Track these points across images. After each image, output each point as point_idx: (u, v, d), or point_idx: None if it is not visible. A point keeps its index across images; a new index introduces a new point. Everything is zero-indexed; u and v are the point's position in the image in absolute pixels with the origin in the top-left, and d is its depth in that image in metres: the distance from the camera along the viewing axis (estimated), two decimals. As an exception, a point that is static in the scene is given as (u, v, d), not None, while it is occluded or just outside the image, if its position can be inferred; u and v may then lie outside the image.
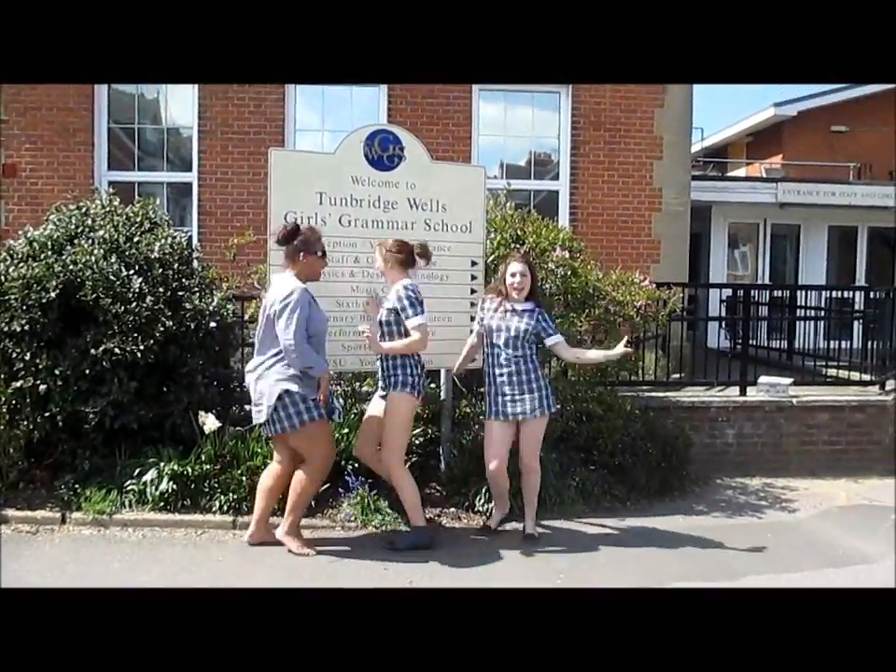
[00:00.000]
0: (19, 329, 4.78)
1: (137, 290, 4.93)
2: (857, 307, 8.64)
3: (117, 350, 4.80)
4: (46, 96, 8.19)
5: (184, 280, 5.30)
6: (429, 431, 5.53)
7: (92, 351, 4.81)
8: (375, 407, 4.66)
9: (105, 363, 4.82)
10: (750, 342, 7.47)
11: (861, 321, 8.23)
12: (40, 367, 4.81)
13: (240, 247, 5.93)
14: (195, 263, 5.60)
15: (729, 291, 9.12)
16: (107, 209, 5.45)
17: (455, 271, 5.20)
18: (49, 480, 4.98)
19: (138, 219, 5.46)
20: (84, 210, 5.42)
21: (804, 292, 9.18)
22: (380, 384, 4.61)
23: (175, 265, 5.28)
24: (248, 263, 5.90)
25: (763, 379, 6.92)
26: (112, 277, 4.89)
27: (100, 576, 3.95)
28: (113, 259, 4.99)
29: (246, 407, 5.30)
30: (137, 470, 4.85)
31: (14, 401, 4.85)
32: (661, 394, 6.70)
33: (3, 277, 4.86)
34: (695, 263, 11.19)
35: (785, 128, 14.75)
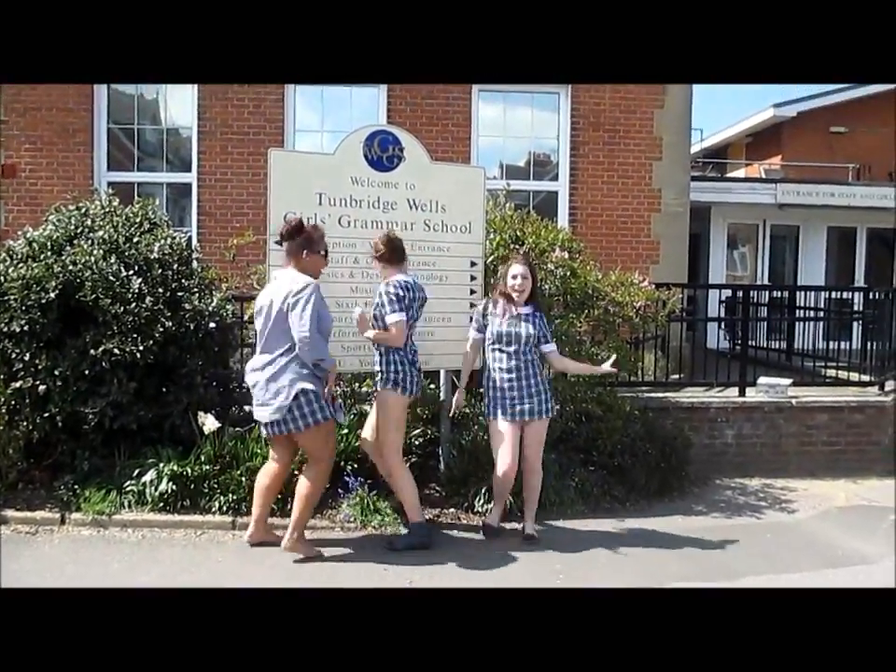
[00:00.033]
0: (18, 330, 4.78)
1: (137, 291, 4.92)
2: (856, 308, 8.65)
3: (116, 350, 4.80)
4: (46, 96, 8.20)
5: (183, 281, 5.30)
6: (429, 432, 5.53)
7: (92, 351, 4.81)
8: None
9: (104, 364, 4.82)
10: (750, 342, 7.47)
11: (860, 322, 8.23)
12: (40, 367, 4.81)
13: (239, 248, 5.94)
14: (195, 264, 5.60)
15: (728, 292, 9.12)
16: (107, 210, 5.46)
17: (454, 271, 5.20)
18: (48, 480, 4.98)
19: (138, 220, 5.46)
20: (83, 210, 5.42)
21: (803, 293, 9.19)
22: None
23: (175, 266, 5.28)
24: (248, 264, 5.90)
25: (762, 380, 6.92)
26: (111, 278, 4.89)
27: (99, 576, 3.95)
28: (112, 260, 4.99)
29: (246, 408, 5.32)
30: (137, 471, 4.85)
31: (13, 402, 4.85)
32: (660, 395, 6.71)
33: (2, 278, 4.86)
34: (695, 264, 11.20)
35: (784, 129, 14.76)
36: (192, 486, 4.82)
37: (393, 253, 4.46)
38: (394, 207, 5.04)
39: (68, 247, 5.06)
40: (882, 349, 7.61)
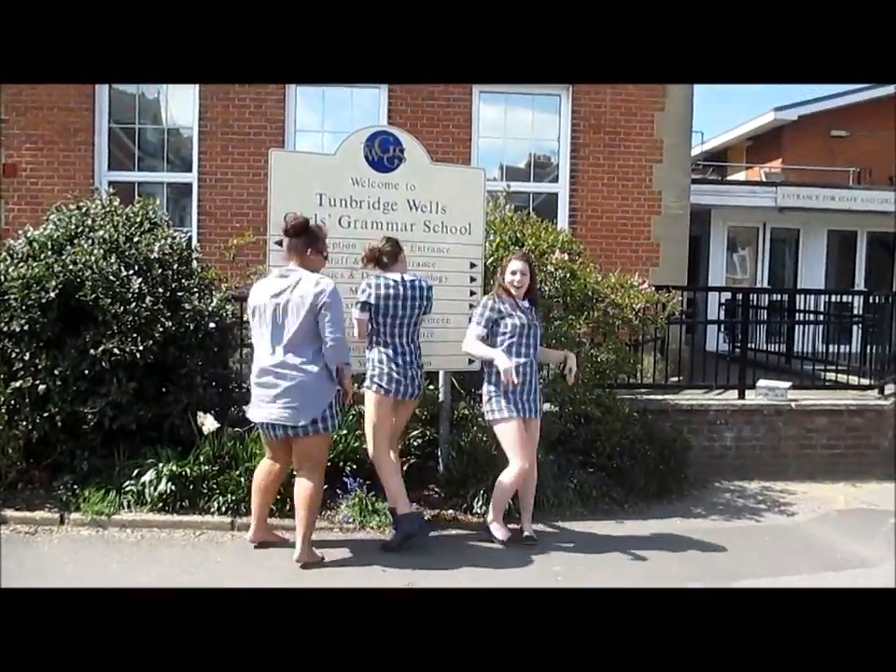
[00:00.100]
0: (18, 329, 4.78)
1: (137, 291, 4.93)
2: (856, 311, 8.66)
3: (116, 350, 4.80)
4: (46, 96, 8.20)
5: (183, 281, 5.30)
6: (427, 433, 5.53)
7: (92, 351, 4.81)
8: None
9: (104, 363, 4.82)
10: (749, 345, 7.47)
11: (860, 325, 8.25)
12: (39, 367, 4.81)
13: (239, 248, 5.94)
14: (195, 264, 5.60)
15: (728, 295, 9.13)
16: (107, 209, 5.46)
17: (453, 272, 5.20)
18: (47, 480, 4.98)
19: (138, 219, 5.46)
20: (84, 210, 5.42)
21: (803, 296, 9.20)
22: None
23: (175, 265, 5.28)
24: (248, 264, 5.90)
25: (761, 382, 6.92)
26: (112, 277, 4.89)
27: (98, 577, 3.95)
28: (113, 260, 4.99)
29: (245, 408, 5.31)
30: (136, 471, 4.85)
31: (13, 401, 4.85)
32: (659, 397, 6.70)
33: (3, 277, 4.86)
34: (694, 267, 11.21)
35: (785, 132, 14.77)
36: (191, 487, 4.82)
37: (374, 260, 4.54)
38: (394, 208, 5.04)
39: (69, 247, 5.06)
40: (882, 353, 7.61)
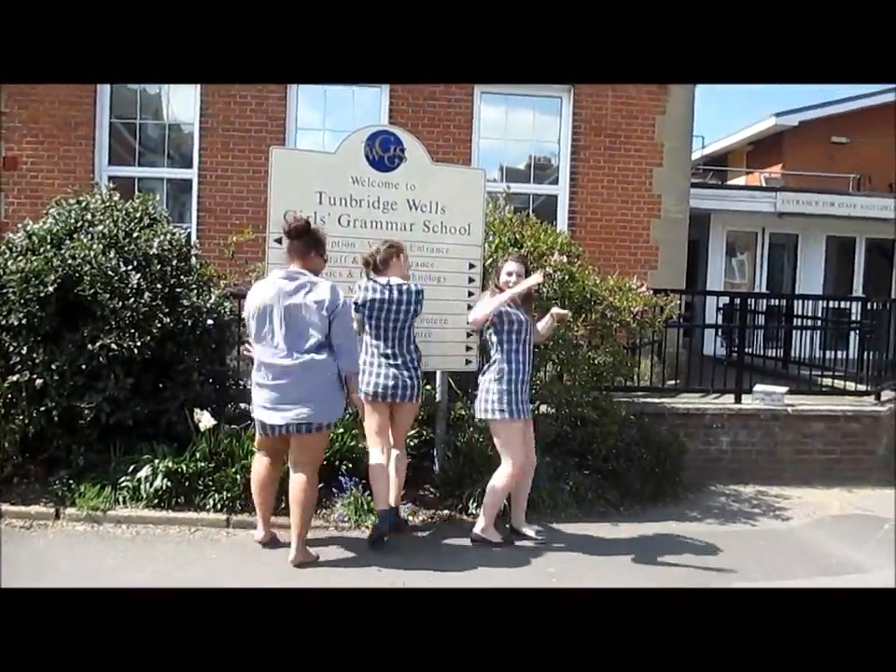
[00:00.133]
0: (16, 323, 4.77)
1: (135, 286, 4.92)
2: (854, 318, 8.68)
3: (114, 346, 4.80)
4: (48, 89, 8.18)
5: (182, 277, 5.30)
6: (424, 433, 5.53)
7: (89, 346, 4.81)
8: None
9: (101, 359, 4.81)
10: (746, 350, 7.48)
11: (857, 331, 8.26)
12: (37, 361, 4.80)
13: (238, 245, 5.94)
14: (193, 260, 5.59)
15: (726, 299, 9.16)
16: (107, 204, 5.45)
17: (452, 273, 5.20)
18: (43, 475, 4.98)
19: (138, 215, 5.45)
20: (84, 204, 5.42)
21: (801, 302, 9.21)
22: None
23: (174, 262, 5.27)
24: (246, 261, 5.89)
25: (758, 387, 6.93)
26: (110, 273, 4.89)
27: (93, 572, 3.95)
28: (112, 255, 4.99)
29: (242, 405, 5.32)
30: (132, 467, 4.84)
31: (10, 395, 4.84)
32: (656, 400, 6.71)
33: (1, 270, 4.85)
34: (693, 271, 11.22)
35: (786, 138, 14.79)
36: (187, 483, 4.82)
37: (369, 265, 4.60)
38: (394, 208, 5.04)
39: (68, 241, 5.06)
40: (879, 359, 7.63)
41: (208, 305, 5.26)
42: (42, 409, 4.82)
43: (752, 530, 5.34)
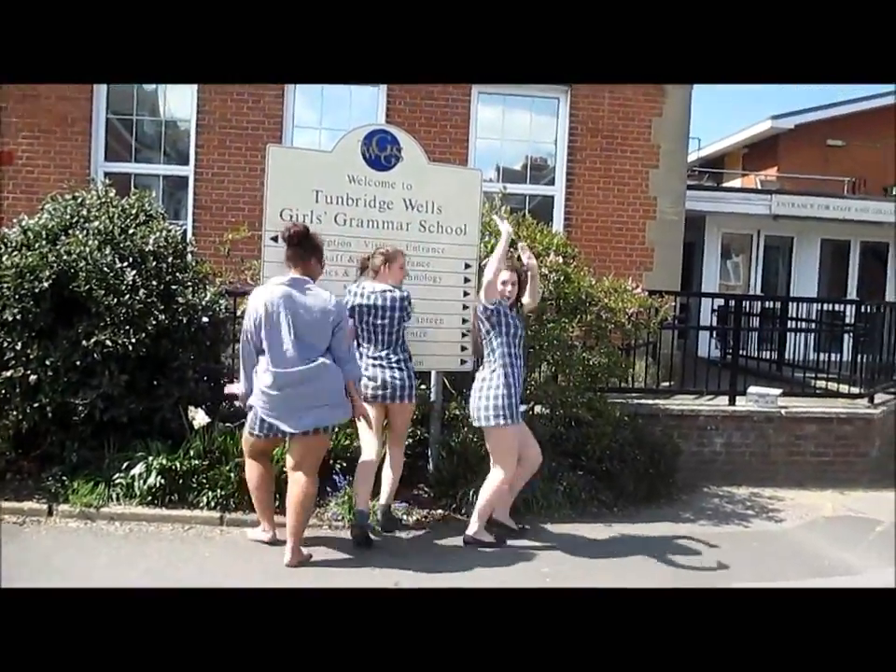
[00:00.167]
0: (10, 319, 4.76)
1: (130, 283, 4.91)
2: (848, 320, 8.69)
3: (108, 342, 4.79)
4: (45, 85, 8.15)
5: (177, 274, 5.29)
6: (418, 432, 5.53)
7: (84, 342, 4.80)
8: None
9: (96, 355, 4.80)
10: (741, 352, 7.51)
11: (851, 334, 8.28)
12: (31, 357, 4.79)
13: (234, 243, 5.93)
14: (189, 257, 5.59)
15: (721, 301, 9.16)
16: (103, 200, 5.44)
17: (447, 273, 5.21)
18: (36, 471, 4.97)
19: (133, 211, 5.44)
20: (79, 200, 5.40)
21: (795, 304, 9.23)
22: None
23: (170, 259, 5.27)
24: (242, 259, 5.89)
25: (752, 389, 6.95)
26: (106, 269, 4.88)
27: (86, 569, 3.94)
28: (107, 251, 4.98)
29: (237, 403, 5.31)
30: (125, 464, 4.84)
31: (4, 391, 4.83)
32: (650, 401, 6.73)
33: (-4, 266, 4.84)
34: (688, 272, 11.25)
35: (781, 140, 14.83)
36: (181, 481, 4.81)
37: (363, 270, 4.72)
38: (390, 207, 5.04)
39: (63, 237, 5.04)
40: (872, 362, 7.65)
41: (203, 303, 5.25)
42: (36, 405, 4.81)
43: (745, 532, 5.36)
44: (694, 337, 9.45)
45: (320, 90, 8.63)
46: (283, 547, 4.20)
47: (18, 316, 4.75)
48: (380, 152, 4.99)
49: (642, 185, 8.94)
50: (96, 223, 5.16)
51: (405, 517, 4.96)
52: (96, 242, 5.00)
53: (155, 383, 5.11)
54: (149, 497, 4.76)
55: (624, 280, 5.96)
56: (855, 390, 7.49)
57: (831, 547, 5.11)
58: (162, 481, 4.77)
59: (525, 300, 4.84)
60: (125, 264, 4.99)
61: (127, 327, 4.85)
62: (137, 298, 4.89)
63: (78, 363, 4.81)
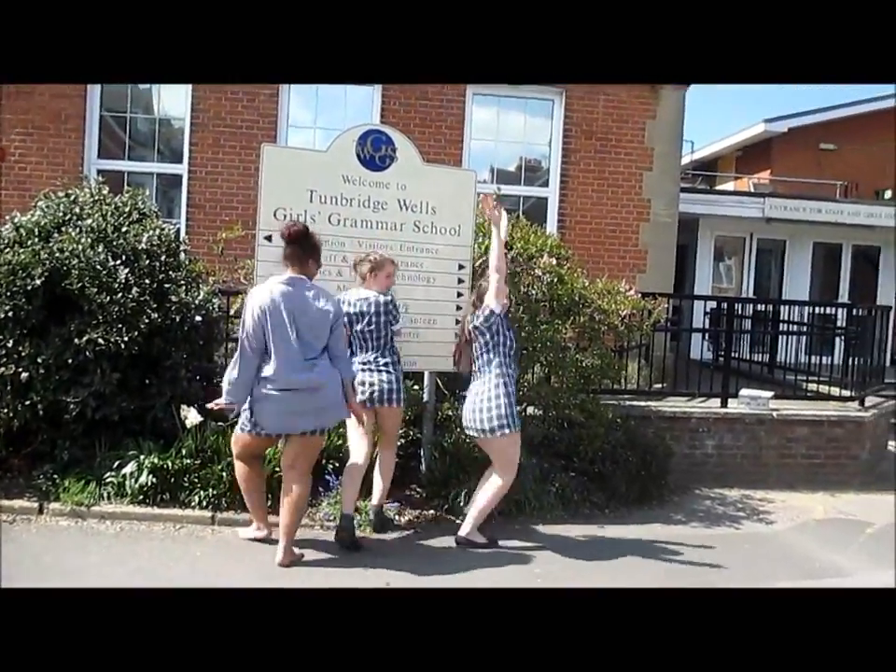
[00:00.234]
0: (2, 316, 4.74)
1: (123, 281, 4.90)
2: (839, 323, 8.74)
3: (101, 340, 4.78)
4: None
5: (171, 272, 5.28)
6: (411, 433, 5.53)
7: (76, 340, 4.78)
8: None
9: (88, 353, 4.79)
10: (733, 354, 7.52)
11: (842, 337, 8.32)
12: (23, 354, 4.77)
13: (227, 242, 5.91)
14: (182, 256, 5.58)
15: (713, 303, 9.20)
16: (96, 198, 5.43)
17: (442, 273, 5.21)
18: (27, 469, 4.95)
19: (127, 209, 5.43)
20: (72, 198, 5.39)
21: (787, 307, 9.26)
22: None
23: (163, 257, 5.26)
24: (235, 258, 5.88)
25: (744, 391, 6.97)
26: (98, 267, 4.87)
27: (76, 568, 3.93)
28: (100, 249, 4.97)
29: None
30: (117, 463, 4.82)
31: (-5, 389, 4.81)
32: (642, 403, 6.74)
33: (-12, 263, 4.82)
34: (681, 275, 11.27)
35: (774, 144, 14.89)
36: (173, 480, 4.80)
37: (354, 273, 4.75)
38: (384, 207, 5.04)
39: (56, 234, 5.03)
40: (863, 365, 7.69)
41: (197, 302, 5.24)
42: (27, 403, 4.79)
43: (737, 533, 5.38)
44: (687, 339, 9.49)
45: (315, 89, 8.63)
46: (274, 547, 4.20)
47: (9, 314, 4.73)
48: (374, 152, 4.99)
49: (636, 187, 8.97)
50: (89, 221, 5.14)
51: (397, 518, 4.96)
52: (89, 239, 4.98)
53: (147, 381, 5.09)
54: (141, 496, 4.74)
55: (618, 282, 5.98)
56: (846, 393, 7.52)
57: (821, 549, 5.13)
58: (154, 480, 4.75)
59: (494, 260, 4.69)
60: (118, 262, 4.97)
61: (119, 325, 4.84)
62: (130, 296, 4.87)
63: (70, 361, 4.79)
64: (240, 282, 5.70)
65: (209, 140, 8.39)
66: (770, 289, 13.17)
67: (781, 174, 14.64)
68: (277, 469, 4.56)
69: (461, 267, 5.26)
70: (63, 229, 5.09)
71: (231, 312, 5.79)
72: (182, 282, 5.30)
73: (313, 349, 4.05)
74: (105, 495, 4.75)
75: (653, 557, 4.69)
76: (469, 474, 5.00)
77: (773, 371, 9.09)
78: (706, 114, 43.04)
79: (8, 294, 4.73)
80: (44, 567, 3.89)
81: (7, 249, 4.87)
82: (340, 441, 5.12)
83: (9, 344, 4.78)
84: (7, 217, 5.22)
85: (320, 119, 8.75)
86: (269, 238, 4.62)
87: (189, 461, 4.84)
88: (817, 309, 9.12)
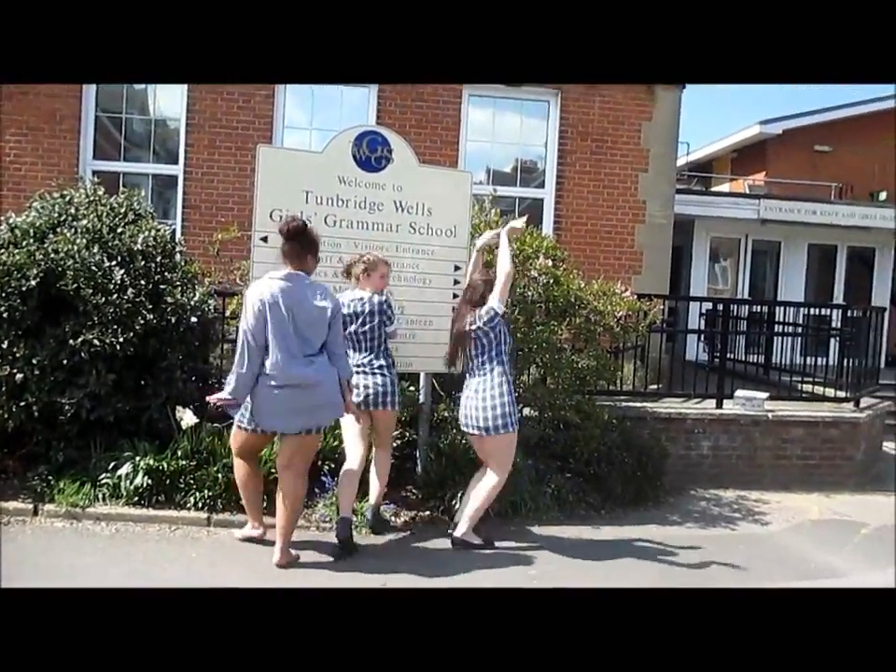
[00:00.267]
0: (-3, 317, 4.73)
1: (119, 282, 4.89)
2: (834, 325, 8.75)
3: (96, 341, 4.77)
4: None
5: (166, 273, 5.27)
6: (407, 434, 5.53)
7: (71, 341, 4.77)
8: None
9: (83, 354, 4.78)
10: (728, 355, 7.54)
11: (837, 339, 8.34)
12: (17, 355, 4.75)
13: (223, 243, 5.91)
14: (178, 257, 5.56)
15: (709, 305, 9.20)
16: (91, 199, 5.42)
17: (437, 275, 5.21)
18: (22, 471, 4.93)
19: (122, 210, 5.42)
20: (68, 199, 5.38)
21: (782, 308, 9.28)
22: None
23: (158, 258, 5.24)
24: (231, 259, 5.87)
25: (739, 392, 6.99)
26: (94, 268, 4.86)
27: (71, 570, 3.91)
28: (95, 250, 4.95)
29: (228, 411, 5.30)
30: (112, 464, 4.81)
31: (-11, 390, 4.80)
32: (638, 404, 6.75)
33: (-17, 264, 4.81)
34: (676, 276, 11.30)
35: (769, 145, 14.90)
36: (168, 481, 4.79)
37: (347, 275, 4.74)
38: (380, 208, 5.04)
39: (51, 235, 5.02)
40: (858, 366, 7.71)
41: (192, 303, 5.23)
42: (22, 404, 4.77)
43: (732, 534, 5.39)
44: (682, 340, 9.50)
45: (311, 90, 8.62)
46: (270, 548, 4.19)
47: (4, 315, 4.72)
48: (370, 153, 4.99)
49: (631, 188, 8.99)
50: (84, 222, 5.13)
51: (393, 519, 4.96)
52: (84, 240, 4.97)
53: (143, 382, 5.08)
54: (136, 498, 4.73)
55: (613, 283, 5.99)
56: (841, 394, 7.54)
57: (816, 550, 5.14)
58: (149, 481, 4.74)
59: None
60: (113, 263, 4.96)
61: (115, 326, 4.83)
62: (125, 297, 4.86)
63: (65, 362, 4.78)
64: (236, 283, 5.70)
65: (205, 141, 8.39)
66: (765, 291, 13.21)
67: (776, 175, 14.66)
68: (273, 470, 4.55)
69: (457, 268, 5.26)
70: (59, 229, 5.08)
71: (227, 313, 5.78)
72: (178, 283, 5.29)
73: (311, 346, 4.04)
74: (101, 496, 4.74)
75: (649, 558, 4.69)
76: (464, 475, 4.99)
77: (768, 373, 9.12)
78: (701, 116, 43.16)
79: (3, 295, 4.72)
80: (39, 569, 3.87)
81: (2, 250, 4.86)
82: (336, 443, 5.11)
83: (4, 345, 4.76)
84: (2, 218, 5.20)
85: (316, 121, 8.75)
86: (265, 239, 4.62)
87: (184, 462, 4.83)
88: (812, 310, 9.16)
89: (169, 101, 8.61)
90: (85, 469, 4.85)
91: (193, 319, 5.21)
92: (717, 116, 47.50)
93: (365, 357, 4.61)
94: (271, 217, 4.68)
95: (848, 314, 8.16)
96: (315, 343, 4.06)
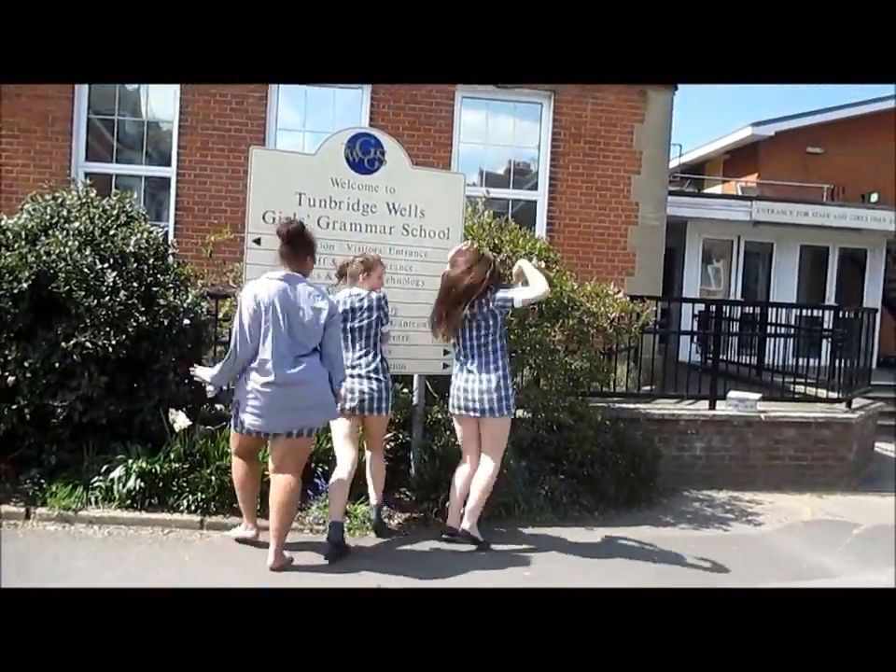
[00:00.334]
0: (-12, 320, 4.71)
1: (111, 284, 4.87)
2: (826, 326, 8.79)
3: (88, 344, 4.75)
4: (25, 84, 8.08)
5: (159, 276, 5.25)
6: (400, 436, 5.53)
7: (63, 344, 4.75)
8: None
9: (75, 357, 4.75)
10: (721, 356, 7.57)
11: (829, 339, 8.37)
12: (9, 358, 4.73)
13: (216, 245, 5.90)
14: (171, 259, 5.54)
15: (701, 306, 9.24)
16: (83, 201, 5.39)
17: (431, 276, 5.18)
18: (13, 474, 4.90)
19: (114, 212, 5.40)
20: (60, 201, 5.35)
21: (774, 309, 9.31)
22: None
23: (151, 260, 5.23)
24: (224, 261, 5.86)
25: (732, 394, 7.00)
26: (86, 270, 4.84)
27: (64, 573, 3.90)
28: (87, 252, 4.93)
29: (217, 406, 5.30)
30: (104, 467, 4.79)
31: (-20, 393, 4.77)
32: (631, 406, 6.76)
33: (-26, 266, 4.78)
34: (669, 278, 11.32)
35: (762, 147, 14.95)
36: (161, 484, 4.76)
37: (341, 276, 4.71)
38: (373, 210, 5.04)
39: (43, 237, 4.99)
40: (850, 367, 7.74)
41: (185, 305, 5.21)
42: (14, 407, 4.75)
43: (725, 535, 5.40)
44: (675, 342, 9.53)
45: (304, 92, 8.62)
46: (264, 550, 4.18)
47: (-4, 317, 4.70)
48: (363, 155, 4.99)
49: (624, 190, 9.01)
50: (76, 224, 5.11)
51: (387, 521, 4.95)
52: (76, 243, 4.95)
53: (135, 385, 5.06)
54: (129, 501, 4.71)
55: (606, 285, 6.00)
56: (833, 395, 7.57)
57: (809, 550, 5.16)
58: (142, 484, 4.72)
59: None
60: (105, 265, 4.94)
61: (107, 328, 4.81)
62: (118, 299, 4.85)
63: (57, 365, 4.76)
64: (228, 285, 5.68)
65: (197, 143, 8.38)
66: (757, 292, 13.25)
67: (768, 177, 14.71)
68: (267, 473, 4.54)
69: (450, 270, 5.25)
70: (50, 232, 5.05)
71: (220, 315, 5.77)
72: (170, 285, 5.27)
73: (303, 347, 4.03)
74: (93, 499, 4.72)
75: (642, 559, 4.70)
76: (458, 477, 4.99)
77: (760, 374, 9.15)
78: (694, 118, 43.28)
79: (-5, 297, 4.70)
80: (31, 573, 3.85)
81: (-6, 252, 4.84)
82: (329, 445, 5.10)
83: (-4, 348, 4.74)
84: (-6, 220, 5.18)
85: (309, 122, 8.75)
86: (258, 241, 4.61)
87: (177, 465, 4.81)
88: (804, 311, 9.20)
89: (161, 103, 8.60)
90: (77, 472, 4.82)
91: (186, 321, 5.20)
92: (711, 118, 47.64)
93: (358, 353, 4.57)
94: (264, 219, 4.67)
95: (840, 315, 8.20)
96: (308, 345, 4.06)
